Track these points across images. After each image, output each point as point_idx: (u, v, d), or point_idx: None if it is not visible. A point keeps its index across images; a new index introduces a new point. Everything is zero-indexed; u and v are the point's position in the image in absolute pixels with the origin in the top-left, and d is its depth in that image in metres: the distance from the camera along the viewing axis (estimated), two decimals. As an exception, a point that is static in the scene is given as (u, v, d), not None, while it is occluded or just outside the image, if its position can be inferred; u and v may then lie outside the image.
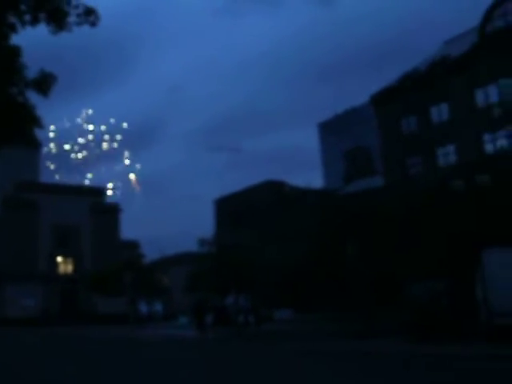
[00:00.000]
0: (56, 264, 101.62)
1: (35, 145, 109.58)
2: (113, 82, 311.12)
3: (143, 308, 76.53)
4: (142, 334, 43.81)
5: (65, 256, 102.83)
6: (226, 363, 19.43)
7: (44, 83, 13.23)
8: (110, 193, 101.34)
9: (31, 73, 13.18)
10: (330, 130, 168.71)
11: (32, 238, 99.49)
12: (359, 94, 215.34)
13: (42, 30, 12.74)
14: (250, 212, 61.58)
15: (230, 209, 66.70)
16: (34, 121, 13.49)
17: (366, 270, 29.43)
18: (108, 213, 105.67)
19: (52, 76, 13.35)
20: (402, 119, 51.86)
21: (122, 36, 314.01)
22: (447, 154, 48.17)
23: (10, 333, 57.49)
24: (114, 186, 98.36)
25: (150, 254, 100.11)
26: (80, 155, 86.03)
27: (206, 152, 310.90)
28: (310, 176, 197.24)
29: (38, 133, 14.86)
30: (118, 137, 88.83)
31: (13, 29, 12.02)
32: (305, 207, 53.47)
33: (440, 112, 49.46)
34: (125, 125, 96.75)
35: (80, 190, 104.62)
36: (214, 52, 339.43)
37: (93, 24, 12.42)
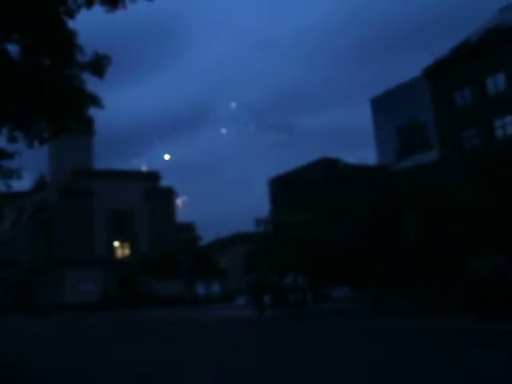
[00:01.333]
0: (113, 249, 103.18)
1: (90, 131, 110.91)
2: (163, 66, 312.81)
3: (201, 289, 77.04)
4: (202, 314, 44.14)
5: (121, 240, 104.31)
6: (285, 343, 19.40)
7: (99, 65, 13.30)
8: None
9: (86, 56, 13.30)
10: (382, 105, 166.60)
11: (88, 224, 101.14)
12: (411, 68, 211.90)
13: (95, 12, 12.81)
14: (306, 190, 61.36)
15: (285, 188, 66.56)
16: (94, 101, 13.57)
17: (427, 246, 29.05)
18: (163, 196, 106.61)
19: (106, 58, 13.40)
20: (456, 92, 50.88)
21: (170, 19, 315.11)
22: (505, 125, 47.15)
23: (71, 317, 58.61)
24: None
25: (207, 235, 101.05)
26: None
27: (259, 132, 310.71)
28: (364, 153, 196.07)
29: (93, 119, 15.04)
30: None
31: (70, 14, 12.08)
32: (360, 184, 53.11)
33: (496, 82, 48.32)
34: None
35: (134, 175, 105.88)
36: (262, 30, 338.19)
37: None
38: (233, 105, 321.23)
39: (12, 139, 13.84)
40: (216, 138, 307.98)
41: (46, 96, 12.86)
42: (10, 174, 17.79)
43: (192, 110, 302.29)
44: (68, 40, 12.51)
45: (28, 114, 13.52)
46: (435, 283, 30.87)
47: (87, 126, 14.54)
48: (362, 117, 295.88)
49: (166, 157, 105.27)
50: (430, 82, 54.42)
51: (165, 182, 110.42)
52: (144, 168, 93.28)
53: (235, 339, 22.21)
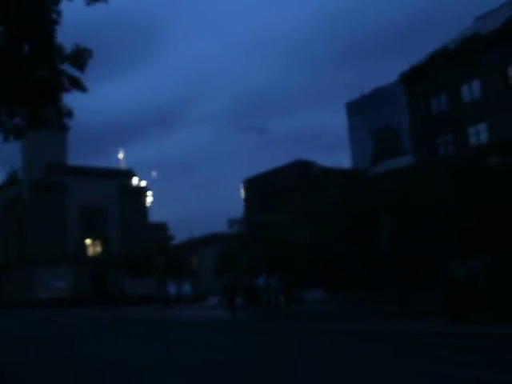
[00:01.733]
0: (85, 246, 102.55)
1: (64, 125, 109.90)
2: (139, 64, 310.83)
3: (172, 289, 76.75)
4: (173, 314, 43.97)
5: (93, 238, 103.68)
6: (260, 345, 19.37)
7: (80, 58, 13.11)
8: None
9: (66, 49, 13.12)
10: (358, 109, 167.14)
11: (61, 221, 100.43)
12: (387, 73, 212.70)
13: (77, 4, 12.64)
14: (280, 192, 61.34)
15: (259, 189, 66.45)
16: (75, 83, 13.34)
17: (402, 249, 29.14)
18: (136, 195, 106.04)
19: (88, 51, 13.21)
20: (432, 98, 51.17)
21: (150, 17, 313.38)
22: (479, 133, 47.47)
23: (42, 314, 58.05)
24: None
25: (179, 235, 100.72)
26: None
27: (233, 133, 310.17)
28: (338, 156, 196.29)
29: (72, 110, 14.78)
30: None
31: (55, 2, 11.91)
32: (334, 186, 53.21)
33: (471, 90, 48.63)
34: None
35: (108, 172, 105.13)
36: (238, 32, 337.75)
37: None
38: (208, 105, 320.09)
39: None
40: (191, 138, 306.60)
41: (23, 82, 12.64)
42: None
43: (168, 109, 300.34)
44: (51, 28, 12.32)
45: (5, 102, 13.26)
46: (410, 286, 30.97)
47: (68, 115, 14.23)
48: (338, 120, 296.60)
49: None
50: (406, 87, 54.67)
51: (138, 181, 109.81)
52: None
53: (208, 339, 22.17)
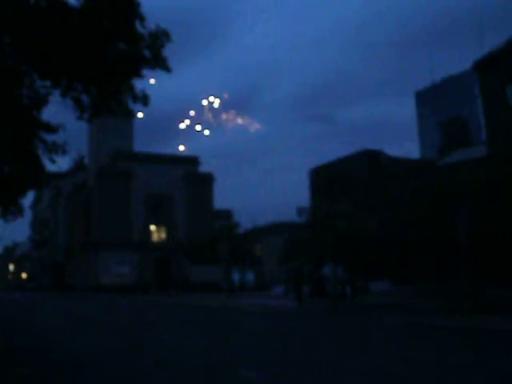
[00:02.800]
0: (150, 233, 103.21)
1: (131, 112, 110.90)
2: (207, 52, 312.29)
3: (235, 277, 76.50)
4: (239, 303, 43.48)
5: (158, 225, 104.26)
6: (327, 336, 18.78)
7: (158, 39, 12.55)
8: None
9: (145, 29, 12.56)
10: (427, 99, 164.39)
11: (126, 207, 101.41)
12: (459, 61, 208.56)
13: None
14: (347, 181, 60.24)
15: (326, 178, 65.39)
16: (160, 62, 12.77)
17: (478, 241, 27.93)
18: (202, 182, 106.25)
19: (166, 33, 12.64)
20: (509, 86, 49.22)
21: (214, 11, 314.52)
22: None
23: (106, 298, 58.48)
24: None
25: (243, 223, 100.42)
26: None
27: (300, 122, 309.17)
28: (406, 146, 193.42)
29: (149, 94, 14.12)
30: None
31: None
32: (404, 177, 51.92)
33: (551, 77, 46.62)
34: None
35: (173, 159, 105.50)
36: (304, 22, 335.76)
37: None
38: (274, 94, 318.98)
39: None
40: (257, 126, 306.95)
41: (100, 55, 12.12)
42: (55, 149, 17.21)
43: (234, 98, 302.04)
44: (131, 5, 11.78)
45: (81, 77, 12.74)
46: (487, 281, 29.70)
47: (143, 101, 13.57)
48: (406, 109, 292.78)
49: (206, 132, 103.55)
50: (480, 75, 52.65)
51: (204, 168, 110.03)
52: (183, 149, 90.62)
53: (276, 328, 21.76)
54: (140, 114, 46.17)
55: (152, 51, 12.58)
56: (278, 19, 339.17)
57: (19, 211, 22.76)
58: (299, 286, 40.06)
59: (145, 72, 13.17)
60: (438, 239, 35.64)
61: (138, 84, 13.45)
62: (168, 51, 12.93)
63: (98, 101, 13.38)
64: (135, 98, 13.53)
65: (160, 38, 12.37)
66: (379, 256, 49.39)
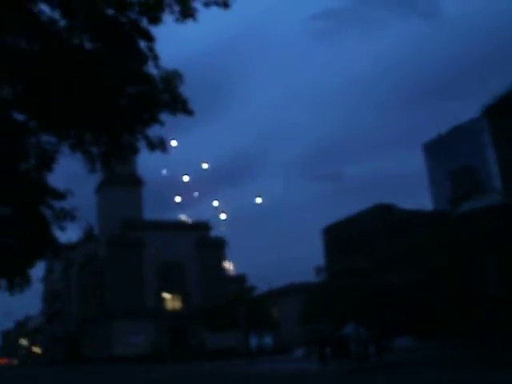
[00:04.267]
0: (163, 300, 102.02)
1: (139, 180, 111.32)
2: (210, 116, 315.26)
3: (253, 341, 75.03)
4: (262, 368, 42.12)
5: (172, 292, 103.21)
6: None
7: (171, 80, 12.03)
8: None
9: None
10: (435, 150, 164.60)
11: (138, 276, 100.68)
12: (463, 111, 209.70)
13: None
14: (362, 237, 59.53)
15: (340, 236, 64.78)
16: (183, 104, 12.18)
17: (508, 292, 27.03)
18: (214, 247, 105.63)
19: (177, 74, 12.10)
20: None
21: (218, 71, 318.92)
22: None
23: (123, 370, 57.16)
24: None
25: (257, 286, 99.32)
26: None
27: (307, 181, 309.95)
28: (418, 198, 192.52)
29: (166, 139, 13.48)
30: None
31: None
32: (420, 230, 51.15)
33: None
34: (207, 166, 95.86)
35: (184, 226, 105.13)
36: (307, 79, 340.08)
37: (225, 5, 11.01)
38: (281, 155, 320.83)
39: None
40: (264, 188, 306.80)
41: (112, 100, 11.54)
42: (63, 215, 16.70)
43: (239, 161, 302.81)
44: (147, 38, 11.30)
45: (90, 126, 12.08)
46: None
47: (161, 146, 12.82)
48: (414, 162, 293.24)
49: (215, 203, 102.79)
50: (491, 121, 52.20)
51: (214, 233, 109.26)
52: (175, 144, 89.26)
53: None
54: (174, 143, 44.40)
55: (169, 93, 11.98)
56: (281, 81, 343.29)
57: (26, 283, 21.95)
58: (323, 347, 38.94)
59: (164, 118, 12.57)
60: (463, 291, 34.78)
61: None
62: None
63: (110, 150, 12.70)
64: (151, 146, 12.81)
65: (173, 79, 11.84)
66: (401, 311, 48.35)
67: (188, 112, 12.34)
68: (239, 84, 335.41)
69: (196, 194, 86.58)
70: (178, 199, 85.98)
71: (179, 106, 12.13)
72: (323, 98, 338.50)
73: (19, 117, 12.49)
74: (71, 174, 16.56)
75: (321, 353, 38.34)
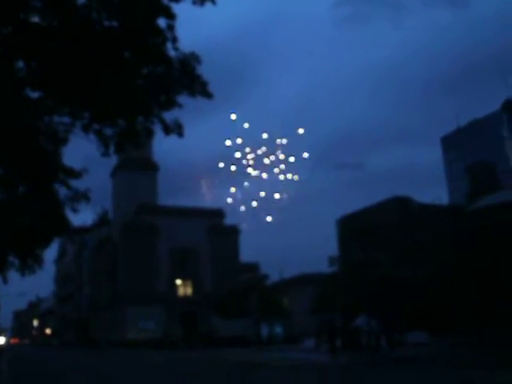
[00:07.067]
0: (175, 287, 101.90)
1: (155, 165, 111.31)
2: (231, 101, 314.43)
3: (264, 330, 74.83)
4: (273, 357, 41.87)
5: (184, 278, 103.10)
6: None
7: (188, 63, 11.70)
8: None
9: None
10: (453, 143, 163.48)
11: (151, 261, 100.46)
12: (483, 105, 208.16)
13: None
14: (377, 229, 58.90)
15: (356, 227, 64.10)
16: (200, 85, 11.87)
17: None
18: (227, 234, 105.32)
19: (195, 56, 11.77)
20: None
21: (242, 57, 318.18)
22: None
23: (137, 354, 57.19)
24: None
25: (270, 275, 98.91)
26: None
27: (327, 169, 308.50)
28: (435, 191, 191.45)
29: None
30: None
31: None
32: (436, 223, 50.63)
33: None
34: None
35: (198, 212, 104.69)
36: (330, 66, 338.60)
37: None
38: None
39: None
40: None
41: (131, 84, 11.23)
42: (77, 196, 16.49)
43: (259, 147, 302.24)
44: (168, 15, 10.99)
45: (109, 111, 11.76)
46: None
47: (178, 130, 12.48)
48: (433, 155, 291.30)
49: (232, 189, 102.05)
50: (510, 115, 51.58)
51: (229, 220, 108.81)
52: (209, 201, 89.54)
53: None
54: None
55: (187, 75, 11.64)
56: (305, 68, 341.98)
57: (38, 264, 21.82)
58: (333, 338, 38.61)
59: (184, 101, 12.25)
60: (476, 287, 34.32)
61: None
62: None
63: (124, 133, 12.39)
64: (167, 129, 12.48)
65: (191, 61, 11.52)
66: (414, 305, 47.84)
67: (207, 95, 12.00)
68: (263, 69, 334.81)
69: (213, 178, 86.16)
70: (198, 185, 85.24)
71: (198, 88, 11.80)
72: (346, 84, 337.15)
73: (33, 94, 12.23)
74: (87, 157, 16.29)
75: (331, 344, 38.04)
